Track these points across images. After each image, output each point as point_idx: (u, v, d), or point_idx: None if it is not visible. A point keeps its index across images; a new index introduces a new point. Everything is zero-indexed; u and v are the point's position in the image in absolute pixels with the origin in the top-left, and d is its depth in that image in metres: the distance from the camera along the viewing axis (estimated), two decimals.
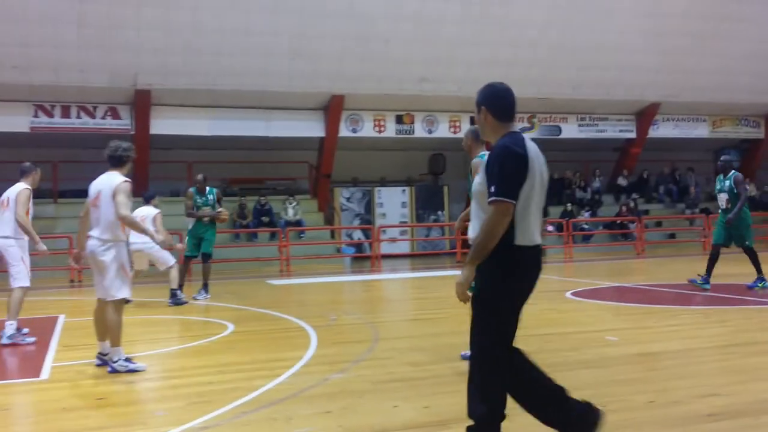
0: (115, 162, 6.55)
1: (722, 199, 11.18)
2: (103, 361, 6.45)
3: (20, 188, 8.40)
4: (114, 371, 6.24)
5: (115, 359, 6.28)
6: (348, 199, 22.23)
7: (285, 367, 6.24)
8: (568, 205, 22.23)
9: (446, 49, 19.44)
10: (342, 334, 8.29)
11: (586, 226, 22.29)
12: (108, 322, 6.39)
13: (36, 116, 18.35)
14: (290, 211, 20.31)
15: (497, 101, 4.01)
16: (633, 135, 23.90)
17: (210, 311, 10.45)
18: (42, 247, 8.30)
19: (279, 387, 5.62)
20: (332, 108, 20.37)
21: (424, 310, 10.94)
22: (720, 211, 11.31)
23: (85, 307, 12.15)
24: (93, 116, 18.80)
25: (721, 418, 4.54)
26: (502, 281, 3.81)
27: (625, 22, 20.10)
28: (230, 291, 13.11)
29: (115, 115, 18.96)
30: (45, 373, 6.44)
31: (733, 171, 11.11)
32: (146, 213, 11.24)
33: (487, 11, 19.01)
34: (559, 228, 21.07)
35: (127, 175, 6.54)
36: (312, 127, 20.74)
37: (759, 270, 11.02)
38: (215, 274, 16.69)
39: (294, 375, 6.02)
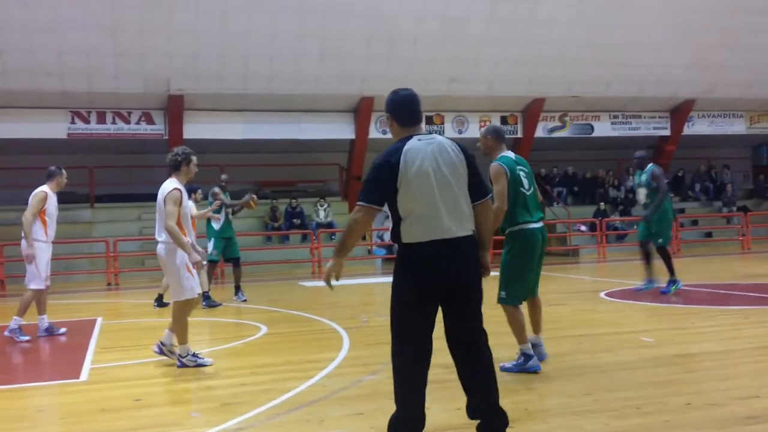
0: (173, 167, 6.81)
1: (641, 194, 10.87)
2: (161, 350, 6.73)
3: (37, 191, 8.72)
4: (183, 366, 6.54)
5: (184, 355, 6.59)
6: None
7: (318, 369, 6.28)
8: (601, 204, 22.01)
9: (474, 49, 19.36)
10: (374, 335, 8.30)
11: (619, 226, 22.04)
12: (173, 321, 6.66)
13: (73, 122, 18.69)
14: (321, 213, 20.41)
15: (398, 108, 4.20)
16: (667, 132, 23.57)
17: (243, 313, 10.54)
18: (30, 250, 8.46)
19: (312, 388, 5.65)
20: (362, 110, 20.42)
21: None
22: (643, 206, 11.01)
23: (122, 310, 12.41)
24: (128, 122, 19.09)
25: (760, 421, 4.46)
26: (397, 277, 4.09)
27: (654, 18, 19.82)
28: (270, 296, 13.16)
29: (150, 121, 19.23)
30: (84, 374, 6.55)
31: (651, 165, 10.78)
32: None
33: (514, 9, 18.88)
34: (591, 227, 20.87)
35: (188, 181, 6.85)
36: (342, 129, 20.81)
37: (672, 272, 10.53)
38: (247, 277, 16.92)
39: (326, 377, 6.05)
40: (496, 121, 21.71)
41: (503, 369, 5.86)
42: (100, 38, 16.80)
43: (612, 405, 4.88)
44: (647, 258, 10.72)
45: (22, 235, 8.75)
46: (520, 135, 22.20)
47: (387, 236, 21.92)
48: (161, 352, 6.74)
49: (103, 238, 17.67)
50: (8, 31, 16.28)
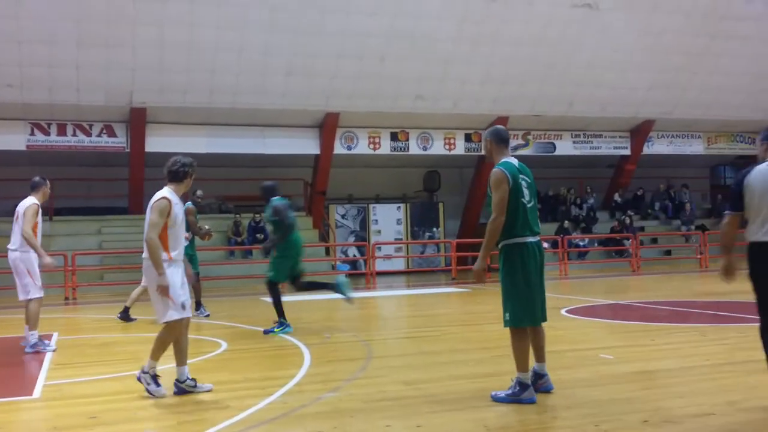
0: (173, 177, 6.21)
1: (268, 228, 10.46)
2: (180, 389, 6.08)
3: (29, 203, 8.60)
4: (139, 379, 6.05)
5: (146, 370, 6.04)
6: (343, 216, 22.24)
7: (277, 386, 6.20)
8: (565, 222, 22.25)
9: (441, 67, 19.53)
10: (336, 352, 8.25)
11: (581, 243, 22.30)
12: (155, 341, 6.13)
13: (32, 134, 18.38)
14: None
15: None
16: (627, 152, 23.98)
17: (203, 329, 10.39)
18: (47, 260, 8.38)
19: (270, 406, 5.58)
20: (327, 125, 20.42)
21: (419, 327, 10.90)
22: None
23: (79, 325, 12.16)
24: (89, 134, 18.84)
25: None
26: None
27: (619, 39, 20.22)
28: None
29: (111, 133, 19.00)
30: (37, 391, 6.38)
31: (274, 198, 10.07)
32: None
33: (480, 29, 19.10)
34: (554, 245, 21.07)
35: (185, 192, 6.30)
36: (307, 145, 20.80)
37: (280, 313, 9.86)
38: (209, 292, 16.71)
39: (286, 394, 5.98)
40: (461, 139, 21.88)
41: (495, 398, 5.47)
42: (63, 51, 16.60)
43: (570, 422, 4.90)
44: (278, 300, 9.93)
45: (11, 247, 8.53)
46: (483, 152, 22.36)
47: (351, 251, 21.97)
48: (181, 392, 6.06)
49: (62, 251, 17.33)
50: None
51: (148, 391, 5.99)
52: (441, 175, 23.56)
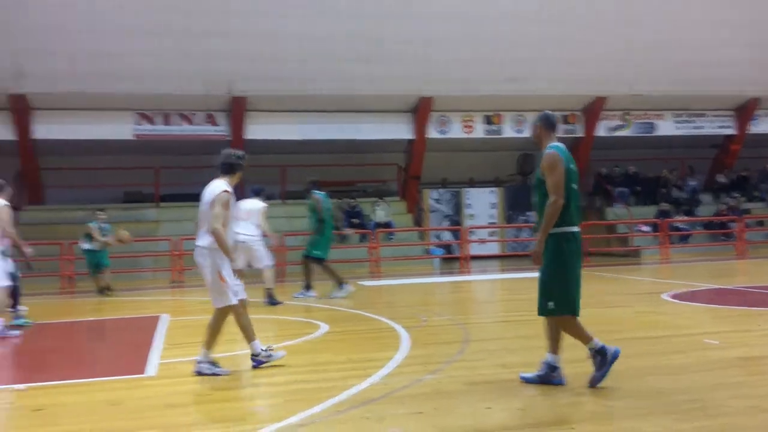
0: (225, 169, 6.51)
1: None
2: (258, 361, 6.50)
3: (2, 205, 9.37)
4: (199, 373, 6.34)
5: (200, 360, 6.37)
6: (437, 201, 22.28)
7: (378, 367, 6.35)
8: (664, 204, 21.55)
9: (534, 48, 19.23)
10: (433, 335, 8.35)
11: (682, 226, 21.55)
12: (208, 324, 6.49)
13: (139, 124, 19.26)
14: (380, 213, 20.53)
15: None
16: (732, 131, 22.96)
17: (304, 312, 10.70)
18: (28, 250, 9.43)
19: (372, 387, 5.73)
20: (420, 110, 20.48)
21: (514, 311, 10.85)
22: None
23: (187, 307, 12.72)
24: (191, 123, 19.58)
25: None
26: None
27: (722, 14, 19.34)
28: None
29: (213, 122, 19.69)
30: (151, 370, 6.76)
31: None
32: (253, 206, 11.53)
33: (573, 9, 18.69)
34: (654, 228, 20.47)
35: (236, 185, 6.55)
36: (400, 130, 20.93)
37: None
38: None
39: (387, 375, 6.12)
40: None
41: (524, 379, 5.59)
42: (168, 42, 17.28)
43: (675, 408, 4.82)
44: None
45: None
46: (580, 134, 21.92)
47: (444, 236, 22.00)
48: (259, 363, 6.51)
49: (168, 236, 18.13)
50: (78, 36, 16.85)
51: (215, 374, 6.27)
52: (535, 158, 23.22)
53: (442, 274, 17.91)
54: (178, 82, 18.19)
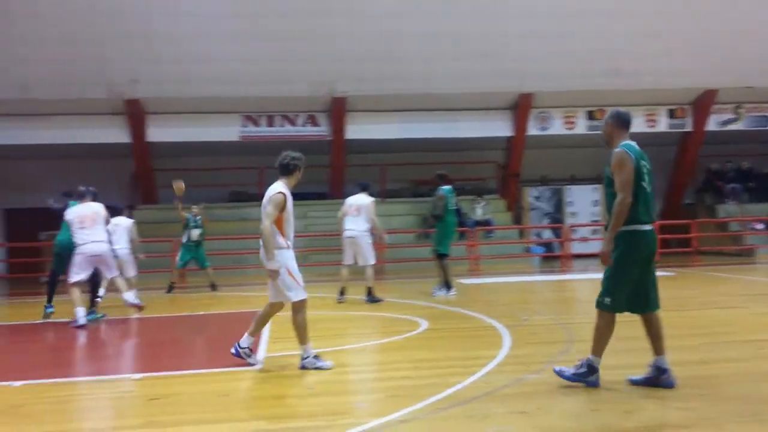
0: (283, 171, 6.83)
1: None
2: (302, 365, 6.59)
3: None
4: (303, 367, 6.53)
5: (305, 356, 6.59)
6: (537, 198, 21.93)
7: (479, 366, 6.33)
8: None
9: (639, 41, 18.62)
10: (535, 334, 8.24)
11: None
12: (292, 323, 6.69)
13: (244, 126, 19.90)
14: (479, 211, 20.41)
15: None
16: None
17: (403, 309, 10.77)
18: None
19: (474, 385, 5.72)
20: (520, 107, 20.23)
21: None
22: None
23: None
24: (294, 124, 20.06)
25: None
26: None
27: None
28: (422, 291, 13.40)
29: (314, 122, 20.09)
30: (258, 362, 6.97)
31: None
32: (362, 202, 11.68)
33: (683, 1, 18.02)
34: None
35: (295, 185, 6.84)
36: (500, 127, 20.73)
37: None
38: (404, 273, 17.25)
39: (488, 374, 6.10)
40: (662, 116, 20.81)
41: (558, 373, 5.61)
42: (271, 45, 17.76)
43: None
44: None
45: None
46: (689, 129, 21.08)
47: (545, 234, 21.62)
48: (237, 355, 6.73)
49: None
50: (188, 42, 17.55)
51: (318, 368, 6.44)
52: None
53: (543, 272, 17.63)
54: (281, 85, 18.65)
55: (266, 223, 6.47)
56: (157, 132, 19.55)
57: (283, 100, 19.28)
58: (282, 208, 6.56)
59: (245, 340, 6.81)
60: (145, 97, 18.80)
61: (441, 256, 12.55)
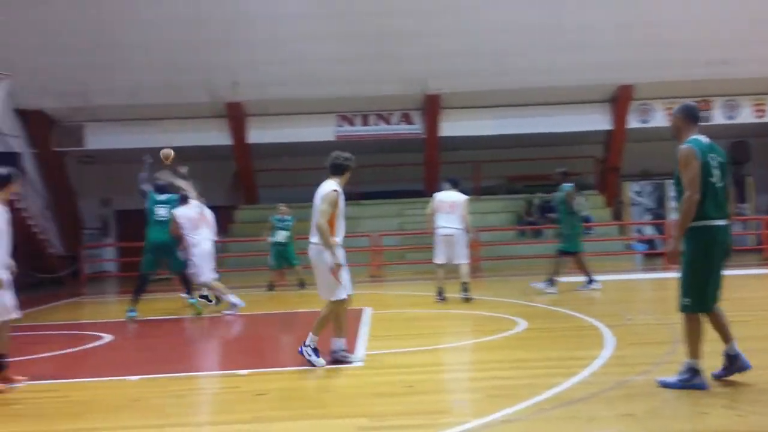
0: (335, 170, 6.94)
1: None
2: (335, 359, 6.85)
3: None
4: (300, 353, 6.79)
5: (307, 344, 6.79)
6: (638, 193, 21.29)
7: (581, 366, 6.22)
8: None
9: (748, 28, 17.75)
10: (638, 334, 8.02)
11: None
12: (320, 313, 6.90)
13: (340, 125, 20.20)
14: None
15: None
16: None
17: (500, 308, 10.68)
18: None
19: (576, 386, 5.63)
20: (619, 99, 19.67)
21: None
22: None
23: (387, 301, 13.15)
24: (388, 122, 20.21)
25: None
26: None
27: None
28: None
29: (408, 121, 20.18)
30: (358, 360, 7.08)
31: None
32: (457, 198, 11.49)
33: None
34: None
35: (346, 185, 6.95)
36: (598, 120, 20.24)
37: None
38: (501, 271, 17.09)
39: (591, 375, 5.98)
40: None
41: (663, 384, 5.42)
42: (365, 46, 17.92)
43: None
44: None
45: None
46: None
47: (646, 230, 20.93)
48: (336, 362, 6.82)
49: (368, 232, 18.83)
50: (285, 45, 17.92)
51: (309, 362, 6.67)
52: (750, 146, 21.49)
53: (645, 270, 17.09)
54: (376, 84, 18.83)
55: (321, 221, 6.63)
56: (257, 133, 20.10)
57: (377, 99, 19.44)
58: (335, 206, 6.70)
59: (337, 343, 6.94)
60: (246, 99, 19.36)
61: (568, 254, 12.30)
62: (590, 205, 20.29)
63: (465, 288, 11.36)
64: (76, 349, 8.55)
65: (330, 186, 6.78)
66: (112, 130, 19.86)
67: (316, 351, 6.81)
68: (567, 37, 17.98)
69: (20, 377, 6.60)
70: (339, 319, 6.95)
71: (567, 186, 12.29)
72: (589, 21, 17.70)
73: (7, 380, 6.46)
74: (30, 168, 19.28)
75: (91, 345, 8.79)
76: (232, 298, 11.17)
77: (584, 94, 19.57)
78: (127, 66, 18.00)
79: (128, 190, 21.57)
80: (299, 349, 6.86)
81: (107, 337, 9.27)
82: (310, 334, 6.83)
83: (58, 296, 15.48)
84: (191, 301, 11.35)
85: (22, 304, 10.60)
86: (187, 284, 11.45)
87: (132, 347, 9.24)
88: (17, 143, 18.96)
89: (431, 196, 12.12)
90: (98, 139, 20.05)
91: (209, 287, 11.47)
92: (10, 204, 6.86)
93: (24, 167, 17.84)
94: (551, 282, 12.16)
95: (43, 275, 18.04)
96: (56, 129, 20.01)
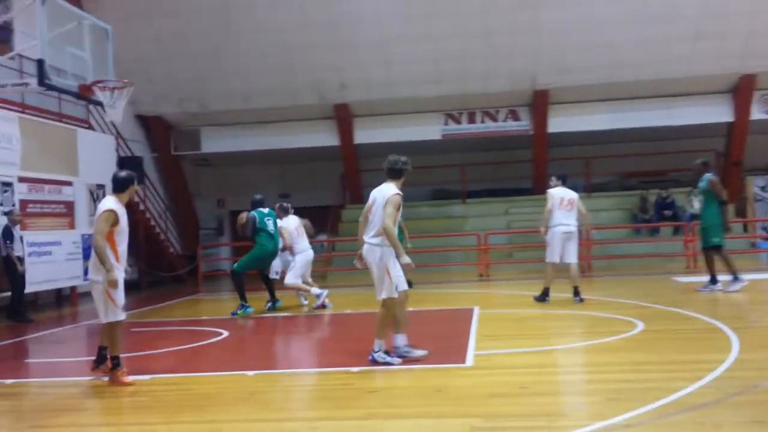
0: (393, 174, 7.00)
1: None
2: (399, 354, 6.94)
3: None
4: (373, 360, 6.81)
5: (376, 350, 6.85)
6: (763, 188, 20.15)
7: (705, 370, 5.93)
8: None
9: None
10: (767, 337, 7.57)
11: None
12: (377, 316, 6.97)
13: (446, 124, 20.14)
14: (696, 204, 19.00)
15: None
16: None
17: (615, 308, 10.33)
18: None
19: (701, 390, 5.36)
20: (742, 89, 18.68)
21: None
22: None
23: (495, 300, 13.01)
24: (495, 120, 19.98)
25: None
26: None
27: None
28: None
29: (515, 117, 19.90)
30: (469, 360, 7.02)
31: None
32: (572, 195, 11.14)
33: None
34: None
35: (401, 188, 6.95)
36: (718, 112, 19.30)
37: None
38: (612, 271, 16.55)
39: (717, 379, 5.69)
40: None
41: None
42: (472, 43, 17.82)
43: None
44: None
45: None
46: None
47: None
48: (401, 356, 6.90)
49: (475, 231, 18.68)
50: (382, 47, 18.05)
51: (387, 364, 6.72)
52: None
53: None
54: (482, 81, 18.67)
55: (389, 223, 6.69)
56: (364, 134, 20.32)
57: (484, 96, 19.26)
58: (399, 208, 6.84)
59: (399, 339, 7.05)
60: (353, 101, 19.61)
61: (717, 248, 11.50)
62: None
63: (576, 292, 10.96)
64: (197, 344, 8.89)
65: (392, 189, 6.91)
66: (226, 134, 20.59)
67: (387, 353, 6.91)
68: (684, 26, 17.25)
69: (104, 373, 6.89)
70: (398, 316, 7.01)
71: (709, 175, 11.62)
72: (707, 9, 16.90)
73: (117, 382, 6.68)
74: (151, 171, 20.25)
75: (211, 340, 9.12)
76: (314, 290, 11.80)
77: (703, 84, 18.70)
78: (241, 72, 18.62)
79: (241, 191, 22.39)
80: (370, 357, 6.91)
81: (224, 333, 9.60)
82: (376, 339, 6.92)
83: (178, 294, 16.18)
84: (275, 305, 11.97)
85: (145, 302, 11.17)
86: (272, 290, 12.08)
87: (248, 343, 9.54)
88: (139, 148, 19.97)
89: (539, 193, 11.85)
90: (213, 142, 20.83)
91: (297, 287, 11.84)
92: (134, 206, 7.22)
93: (145, 171, 18.75)
94: (735, 278, 11.47)
95: (163, 274, 18.91)
96: (174, 134, 20.94)
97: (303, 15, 17.57)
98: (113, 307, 6.67)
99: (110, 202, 6.72)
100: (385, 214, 6.78)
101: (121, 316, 6.79)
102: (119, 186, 6.87)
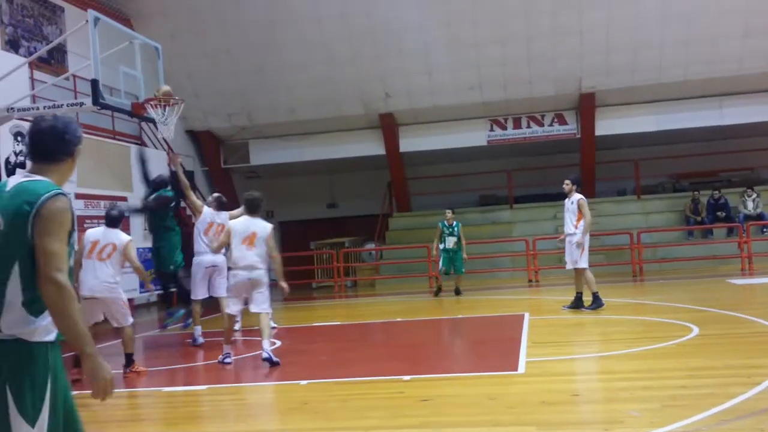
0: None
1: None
2: None
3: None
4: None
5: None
6: None
7: (764, 375, 5.80)
8: None
9: None
10: None
11: None
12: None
13: (492, 130, 20.06)
14: (750, 205, 18.66)
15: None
16: None
17: (668, 312, 10.17)
18: None
19: (760, 396, 5.26)
20: None
21: None
22: None
23: (545, 306, 12.91)
24: (541, 124, 19.83)
25: None
26: None
27: None
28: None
29: (562, 121, 19.71)
30: (521, 367, 6.99)
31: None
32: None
33: None
34: None
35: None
36: None
37: None
38: (664, 274, 16.27)
39: None
40: None
41: None
42: (515, 48, 17.73)
43: None
44: None
45: None
46: None
47: None
48: None
49: (523, 237, 18.56)
50: (432, 55, 18.09)
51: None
52: None
53: None
54: (527, 86, 18.56)
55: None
56: (409, 142, 20.36)
57: (528, 101, 19.13)
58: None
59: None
60: (397, 109, 19.68)
61: None
62: (764, 201, 18.88)
63: (595, 297, 10.72)
64: (252, 354, 9.02)
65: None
66: (274, 146, 20.84)
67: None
68: (732, 24, 16.90)
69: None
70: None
71: None
72: (755, 5, 16.54)
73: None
74: (202, 185, 20.62)
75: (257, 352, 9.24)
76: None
77: (756, 83, 18.26)
78: (287, 85, 18.85)
79: (290, 202, 22.66)
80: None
81: (277, 343, 9.72)
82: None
83: None
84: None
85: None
86: None
87: (302, 352, 9.65)
88: (190, 162, 20.36)
89: (588, 197, 11.60)
90: (261, 155, 21.09)
91: None
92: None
93: (196, 185, 19.09)
94: None
95: None
96: (224, 147, 21.29)
97: (345, 26, 17.71)
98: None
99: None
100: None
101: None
102: (255, 208, 8.44)
